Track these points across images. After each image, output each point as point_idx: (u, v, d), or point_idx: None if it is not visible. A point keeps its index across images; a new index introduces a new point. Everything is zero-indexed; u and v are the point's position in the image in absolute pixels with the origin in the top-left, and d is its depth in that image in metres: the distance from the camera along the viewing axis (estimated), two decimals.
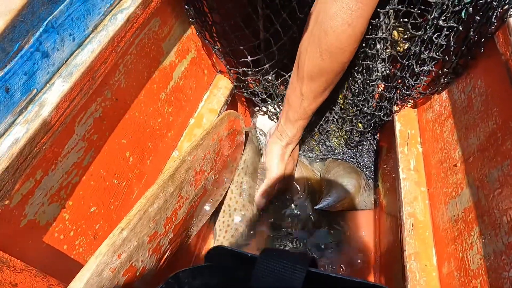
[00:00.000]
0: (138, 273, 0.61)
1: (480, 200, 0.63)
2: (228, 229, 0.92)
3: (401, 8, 0.72)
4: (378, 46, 0.77)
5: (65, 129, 0.57)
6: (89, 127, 0.63)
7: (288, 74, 0.93)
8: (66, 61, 0.56)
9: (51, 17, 0.52)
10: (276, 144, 0.90)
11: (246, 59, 0.88)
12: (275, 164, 0.90)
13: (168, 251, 0.72)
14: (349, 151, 1.10)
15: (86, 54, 0.57)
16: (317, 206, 0.94)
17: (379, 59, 0.80)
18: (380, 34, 0.75)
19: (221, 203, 0.92)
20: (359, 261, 0.96)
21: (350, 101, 0.94)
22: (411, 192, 0.81)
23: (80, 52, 0.57)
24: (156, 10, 0.71)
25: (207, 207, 0.85)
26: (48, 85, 0.54)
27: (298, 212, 1.01)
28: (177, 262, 0.81)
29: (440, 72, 0.78)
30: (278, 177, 0.90)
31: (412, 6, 0.72)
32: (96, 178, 0.67)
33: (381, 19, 0.73)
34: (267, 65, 0.90)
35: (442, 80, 0.79)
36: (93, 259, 0.51)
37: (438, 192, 0.77)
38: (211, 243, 0.99)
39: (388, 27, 0.74)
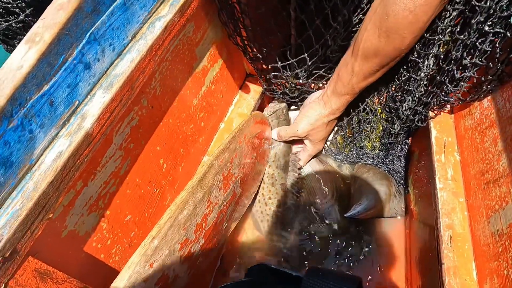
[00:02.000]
0: (170, 281, 0.61)
1: None
2: (268, 217, 0.94)
3: (458, 7, 0.70)
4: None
5: (104, 140, 0.57)
6: (126, 136, 0.63)
7: (323, 70, 0.91)
8: (106, 72, 0.56)
9: (93, 28, 0.51)
10: (315, 110, 0.88)
11: (276, 64, 0.86)
12: (302, 124, 0.90)
13: (200, 258, 0.71)
14: (381, 153, 1.07)
15: (125, 64, 0.57)
16: (347, 214, 0.93)
17: (432, 57, 0.77)
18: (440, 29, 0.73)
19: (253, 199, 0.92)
20: (388, 271, 0.94)
21: (390, 102, 0.92)
22: (449, 203, 0.78)
23: (120, 62, 0.57)
24: (191, 16, 0.70)
25: (236, 212, 0.84)
26: (89, 96, 0.53)
27: (325, 218, 0.99)
28: (209, 267, 0.80)
29: (483, 78, 0.75)
30: (296, 135, 0.91)
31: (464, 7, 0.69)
32: (132, 186, 0.66)
33: (446, 19, 0.71)
34: (298, 70, 0.88)
35: (484, 87, 0.75)
36: (125, 270, 0.51)
37: (478, 204, 0.74)
38: (240, 246, 0.99)
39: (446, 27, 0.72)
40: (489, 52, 0.72)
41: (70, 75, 0.50)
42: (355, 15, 0.80)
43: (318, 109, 0.88)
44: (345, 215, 0.93)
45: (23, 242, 0.45)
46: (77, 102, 0.52)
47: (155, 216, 0.74)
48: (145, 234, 0.72)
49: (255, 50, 0.87)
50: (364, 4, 0.79)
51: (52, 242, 0.53)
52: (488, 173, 0.72)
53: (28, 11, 0.68)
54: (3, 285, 0.44)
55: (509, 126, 0.70)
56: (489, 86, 0.75)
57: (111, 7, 0.54)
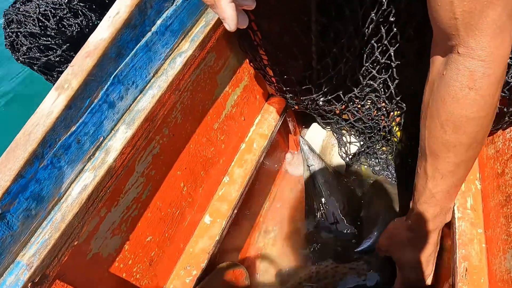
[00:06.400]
0: None
1: None
2: None
3: None
4: None
5: (127, 170, 0.62)
6: (148, 164, 0.67)
7: (338, 93, 0.91)
8: (129, 107, 0.60)
9: (117, 70, 0.56)
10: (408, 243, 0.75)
11: (295, 88, 0.88)
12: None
13: None
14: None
15: (147, 100, 0.61)
16: (358, 249, 0.93)
17: None
18: None
19: None
20: None
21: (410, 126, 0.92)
22: (466, 233, 0.77)
23: (142, 97, 0.61)
24: (211, 48, 0.73)
25: None
26: (113, 131, 0.58)
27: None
28: None
29: (505, 109, 0.74)
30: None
31: None
32: (153, 210, 0.71)
33: None
34: (315, 95, 0.89)
35: (507, 118, 0.74)
36: None
37: (496, 237, 0.73)
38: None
39: None
40: (511, 84, 0.71)
41: (95, 115, 0.54)
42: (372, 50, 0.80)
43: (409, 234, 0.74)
44: (355, 250, 0.93)
45: (51, 268, 0.50)
46: (102, 138, 0.57)
47: (174, 235, 0.78)
48: (165, 253, 0.77)
49: (276, 74, 0.90)
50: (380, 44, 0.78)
51: (78, 264, 0.58)
52: (507, 206, 0.71)
53: (64, 47, 0.74)
54: None
55: None
56: (510, 118, 0.73)
57: (134, 49, 0.58)
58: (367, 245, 0.91)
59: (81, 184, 0.53)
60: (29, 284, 0.47)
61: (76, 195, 0.52)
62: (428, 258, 0.73)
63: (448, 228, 0.82)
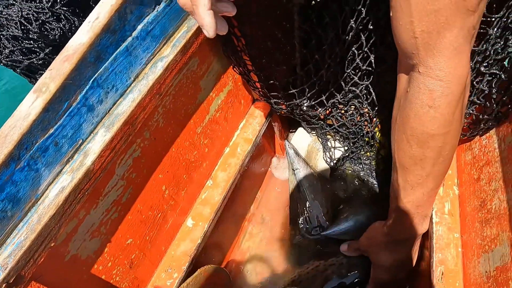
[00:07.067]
0: None
1: None
2: None
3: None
4: None
5: (106, 172, 0.62)
6: (129, 167, 0.68)
7: (321, 99, 0.92)
8: (109, 111, 0.61)
9: (96, 74, 0.57)
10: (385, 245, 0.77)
11: (279, 93, 0.89)
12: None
13: None
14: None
15: (127, 104, 0.62)
16: (324, 233, 0.95)
17: None
18: None
19: None
20: None
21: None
22: (444, 238, 0.79)
23: (122, 101, 0.62)
24: (194, 53, 0.74)
25: None
26: (92, 134, 0.59)
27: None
28: None
29: (480, 116, 0.75)
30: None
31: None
32: (134, 213, 0.71)
33: None
34: (298, 100, 0.91)
35: (482, 125, 0.76)
36: None
37: (471, 241, 0.74)
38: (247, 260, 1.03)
39: None
40: (486, 91, 0.73)
41: (74, 118, 0.55)
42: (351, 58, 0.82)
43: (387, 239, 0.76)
44: (321, 233, 0.95)
45: (26, 269, 0.51)
46: (81, 140, 0.57)
47: (156, 238, 0.78)
48: (146, 256, 0.77)
49: (260, 79, 0.91)
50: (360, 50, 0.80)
51: (55, 266, 0.58)
52: (481, 212, 0.73)
53: (47, 50, 0.75)
54: None
55: (503, 166, 0.70)
56: (486, 125, 0.75)
57: (114, 54, 0.59)
58: (331, 230, 0.93)
59: (59, 186, 0.54)
60: (4, 285, 0.48)
61: (53, 197, 0.53)
62: (401, 263, 0.75)
63: (426, 232, 0.83)
